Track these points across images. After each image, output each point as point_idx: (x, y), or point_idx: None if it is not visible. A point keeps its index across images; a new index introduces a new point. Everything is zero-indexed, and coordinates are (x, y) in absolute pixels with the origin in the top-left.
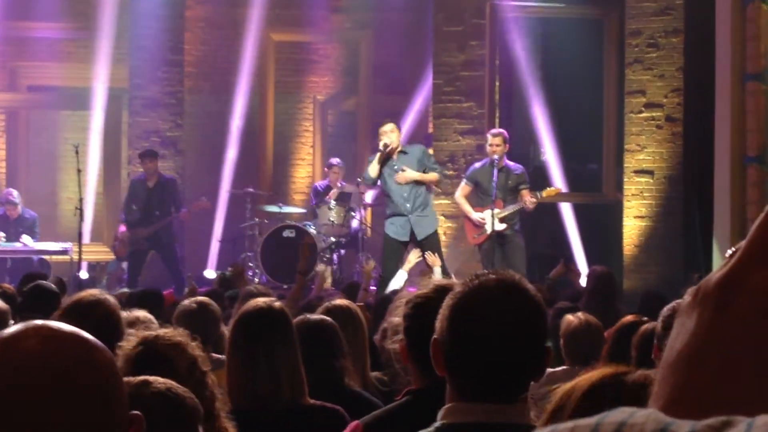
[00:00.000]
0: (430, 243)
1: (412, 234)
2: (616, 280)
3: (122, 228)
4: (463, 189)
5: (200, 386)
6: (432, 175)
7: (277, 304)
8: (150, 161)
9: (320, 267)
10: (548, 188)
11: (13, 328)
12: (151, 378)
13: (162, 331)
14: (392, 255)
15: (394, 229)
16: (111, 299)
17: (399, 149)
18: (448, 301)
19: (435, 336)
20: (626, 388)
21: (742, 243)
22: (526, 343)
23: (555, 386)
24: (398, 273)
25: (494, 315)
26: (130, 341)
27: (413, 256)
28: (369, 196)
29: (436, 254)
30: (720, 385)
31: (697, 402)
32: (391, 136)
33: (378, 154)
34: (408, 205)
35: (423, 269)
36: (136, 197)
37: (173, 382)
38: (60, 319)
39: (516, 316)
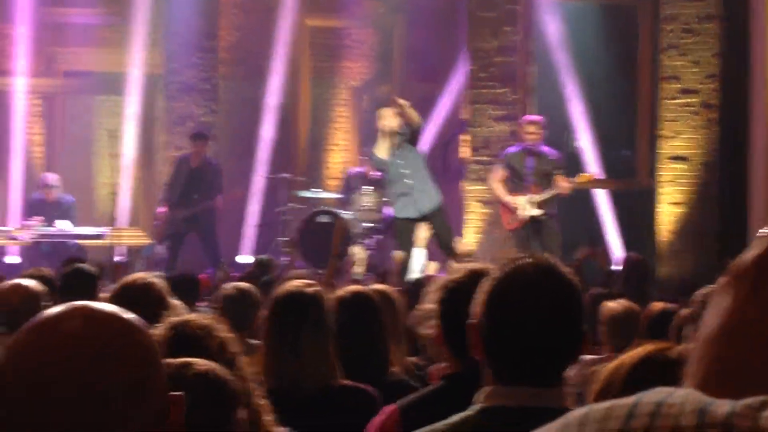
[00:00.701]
0: (439, 216)
1: (421, 209)
2: (650, 266)
3: (162, 208)
4: (498, 174)
5: (231, 366)
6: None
7: (311, 287)
8: (201, 143)
9: (355, 249)
10: (582, 173)
11: (55, 308)
12: (192, 360)
13: (190, 316)
14: (407, 236)
15: (403, 208)
16: (160, 282)
17: (398, 131)
18: (484, 286)
19: (472, 320)
20: (671, 364)
21: None
22: (564, 327)
23: (600, 366)
24: (415, 252)
25: (531, 299)
26: (159, 327)
27: (423, 233)
28: None
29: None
30: (756, 361)
31: (734, 378)
32: (392, 121)
33: (382, 135)
34: (410, 182)
35: (462, 257)
36: (178, 176)
37: (214, 364)
38: (111, 301)
39: (553, 300)
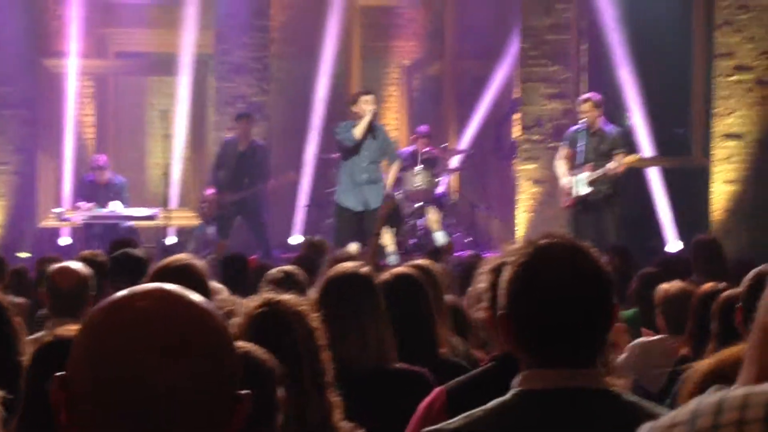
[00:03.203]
0: (375, 214)
1: (366, 204)
2: (720, 247)
3: (210, 190)
4: (562, 152)
5: (314, 357)
6: (393, 174)
7: (364, 268)
8: (244, 123)
9: (385, 230)
10: (630, 155)
11: (125, 290)
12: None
13: (286, 297)
14: (346, 226)
15: (348, 199)
16: (199, 263)
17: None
18: (507, 274)
19: (500, 311)
20: None
21: None
22: (591, 307)
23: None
24: (391, 258)
25: (555, 282)
26: (254, 300)
27: (388, 238)
28: (454, 161)
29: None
30: None
31: None
32: (374, 107)
33: (367, 118)
34: (365, 176)
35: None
36: (226, 159)
37: (253, 345)
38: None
39: (577, 280)
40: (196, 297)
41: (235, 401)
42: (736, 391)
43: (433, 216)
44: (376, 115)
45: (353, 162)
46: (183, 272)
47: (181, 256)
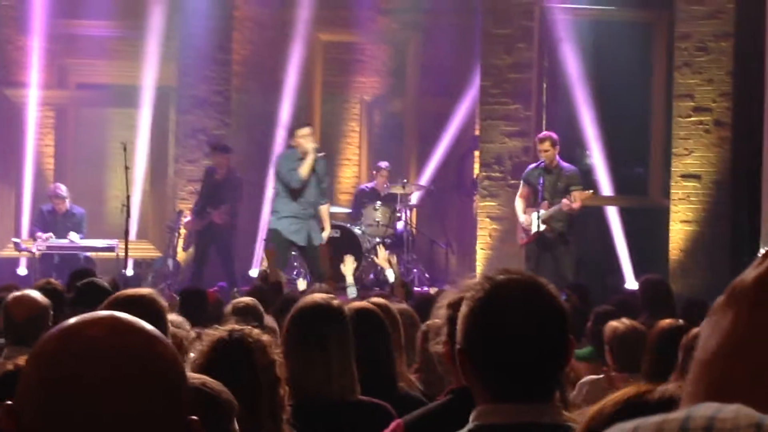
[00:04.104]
0: (317, 249)
1: (309, 239)
2: (668, 287)
3: (188, 217)
4: (521, 190)
5: (273, 390)
6: (326, 215)
7: (335, 301)
8: (219, 154)
9: (346, 262)
10: (583, 192)
11: (75, 317)
12: (188, 374)
13: (249, 328)
14: (283, 255)
15: (292, 229)
16: (156, 295)
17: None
18: (464, 309)
19: (458, 346)
20: (652, 407)
21: None
22: (547, 341)
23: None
24: (349, 289)
25: (511, 317)
26: (218, 330)
27: (350, 268)
28: (414, 197)
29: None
30: (759, 380)
31: (737, 398)
32: (315, 143)
33: (311, 157)
34: (311, 211)
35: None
36: (203, 187)
37: (208, 377)
38: None
39: (534, 315)
40: (145, 325)
41: (186, 428)
42: (653, 418)
43: (381, 254)
44: (316, 150)
45: (300, 198)
46: (134, 305)
47: (136, 290)
